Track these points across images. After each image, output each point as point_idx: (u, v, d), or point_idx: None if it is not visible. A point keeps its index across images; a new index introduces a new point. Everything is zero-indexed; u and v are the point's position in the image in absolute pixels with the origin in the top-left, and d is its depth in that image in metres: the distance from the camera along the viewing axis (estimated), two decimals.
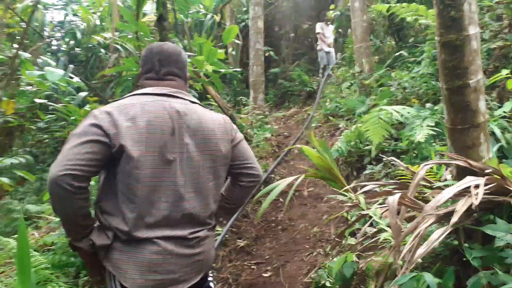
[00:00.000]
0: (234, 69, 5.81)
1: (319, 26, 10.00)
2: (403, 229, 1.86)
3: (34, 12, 3.51)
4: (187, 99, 1.61)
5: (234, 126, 1.75)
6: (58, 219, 4.13)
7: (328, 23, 9.87)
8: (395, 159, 2.64)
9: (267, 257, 3.94)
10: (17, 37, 8.16)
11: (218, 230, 4.23)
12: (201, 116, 1.59)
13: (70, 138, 1.42)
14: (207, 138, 1.58)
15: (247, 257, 4.04)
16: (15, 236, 3.90)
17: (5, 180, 3.01)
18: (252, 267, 3.84)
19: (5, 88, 3.18)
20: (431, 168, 2.51)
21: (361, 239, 2.43)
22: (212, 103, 8.23)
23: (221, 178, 1.68)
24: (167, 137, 1.48)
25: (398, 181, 2.63)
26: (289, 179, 2.87)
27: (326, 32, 9.92)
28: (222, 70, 4.35)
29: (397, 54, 6.40)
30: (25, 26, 6.24)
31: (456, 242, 1.97)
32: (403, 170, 2.58)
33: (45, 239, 3.69)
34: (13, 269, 3.22)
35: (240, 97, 9.73)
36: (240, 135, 1.75)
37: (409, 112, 3.72)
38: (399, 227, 1.78)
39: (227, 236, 4.28)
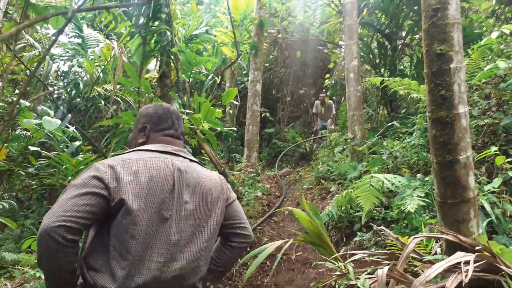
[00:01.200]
0: (230, 128, 5.92)
1: (315, 106, 10.34)
2: None
3: (40, 64, 3.63)
4: (187, 158, 1.66)
5: (229, 186, 1.78)
6: (33, 271, 3.97)
7: (324, 104, 10.00)
8: (385, 229, 2.63)
9: None
10: (21, 84, 8.35)
11: None
12: (200, 175, 1.62)
13: (68, 189, 1.41)
14: (205, 196, 1.60)
15: None
16: None
17: None
18: None
19: (0, 133, 3.19)
20: (421, 240, 2.49)
21: None
22: (205, 158, 8.28)
23: (214, 239, 1.66)
24: (166, 194, 1.49)
25: (388, 251, 2.60)
26: (278, 243, 2.82)
27: (321, 111, 10.15)
28: (218, 128, 4.42)
29: (389, 124, 6.58)
30: (29, 74, 6.41)
31: None
32: (393, 240, 2.56)
33: None
34: None
35: (234, 154, 9.81)
36: (233, 195, 1.78)
37: (400, 181, 3.76)
38: None
39: None
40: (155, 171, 1.49)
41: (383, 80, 5.34)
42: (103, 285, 1.41)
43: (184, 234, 1.52)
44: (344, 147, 7.21)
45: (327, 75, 10.11)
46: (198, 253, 1.55)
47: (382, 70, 7.84)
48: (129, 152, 1.59)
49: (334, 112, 9.97)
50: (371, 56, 8.23)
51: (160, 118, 1.74)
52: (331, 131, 9.43)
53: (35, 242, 3.81)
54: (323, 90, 10.48)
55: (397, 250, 2.61)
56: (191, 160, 1.67)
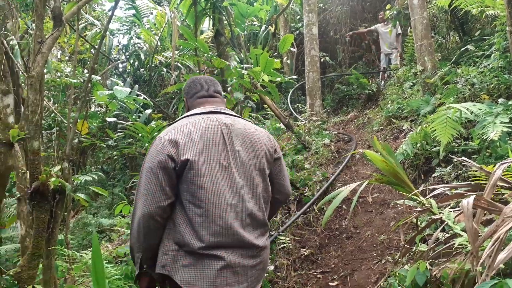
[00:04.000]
0: (290, 77, 5.82)
1: (376, 28, 9.85)
2: (480, 233, 1.73)
3: (103, 38, 3.79)
4: (230, 114, 1.83)
5: (275, 141, 1.92)
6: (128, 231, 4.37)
7: (386, 22, 9.57)
8: (467, 159, 2.48)
9: (332, 265, 3.86)
10: (88, 62, 8.86)
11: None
12: (246, 126, 1.79)
13: (145, 172, 1.62)
14: (254, 144, 1.76)
15: (312, 266, 3.98)
16: (89, 249, 4.18)
17: (82, 196, 3.25)
18: (318, 276, 3.77)
19: (80, 110, 3.45)
20: (509, 167, 2.32)
21: (433, 245, 2.30)
22: (269, 112, 8.31)
23: (268, 181, 1.80)
24: (219, 146, 1.66)
25: (471, 183, 2.47)
26: (352, 185, 2.80)
27: (385, 33, 9.63)
28: (279, 79, 4.36)
29: (462, 49, 6.04)
30: (94, 52, 6.75)
31: None
32: (476, 171, 2.41)
33: (118, 250, 3.91)
34: (90, 281, 3.44)
35: (297, 104, 9.71)
36: (280, 151, 1.93)
37: (480, 109, 3.48)
38: (476, 231, 1.66)
39: (290, 245, 4.26)
40: (204, 129, 1.67)
41: (452, 0, 4.84)
42: (184, 240, 1.59)
43: (244, 179, 1.69)
44: (414, 81, 6.79)
45: (388, 6, 9.38)
46: (259, 194, 1.73)
47: None
48: (179, 119, 1.78)
49: (400, 32, 9.35)
50: None
51: (190, 87, 1.94)
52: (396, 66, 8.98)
53: (126, 207, 4.19)
54: (381, 12, 9.82)
55: (482, 181, 2.47)
56: (235, 116, 1.83)
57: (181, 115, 1.93)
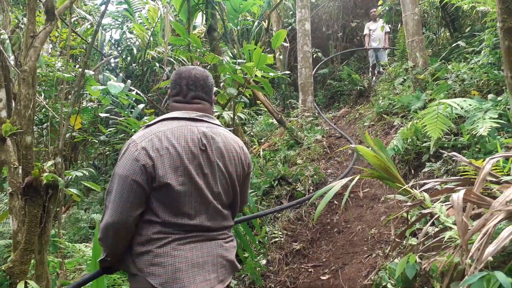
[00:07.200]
0: (283, 73, 5.84)
1: (366, 27, 10.07)
2: (469, 227, 1.77)
3: (96, 33, 3.77)
4: (212, 123, 1.73)
5: (248, 154, 1.86)
6: None
7: (377, 19, 9.68)
8: (457, 154, 2.52)
9: (324, 259, 3.90)
10: (79, 58, 8.78)
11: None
12: (225, 139, 1.71)
13: (116, 180, 1.55)
14: (232, 158, 1.71)
15: (304, 260, 4.02)
16: (83, 244, 4.18)
17: (74, 191, 3.24)
18: (309, 270, 3.82)
19: (73, 104, 3.43)
20: (497, 162, 2.37)
21: (423, 239, 2.34)
22: (262, 108, 8.32)
23: (238, 195, 1.80)
24: (197, 158, 1.60)
25: (461, 178, 2.51)
26: (344, 180, 2.82)
27: (374, 29, 9.76)
28: (272, 74, 4.37)
29: (453, 45, 6.10)
30: (86, 46, 6.69)
31: None
32: (466, 166, 2.46)
33: None
34: (82, 276, 3.44)
35: (289, 100, 9.73)
36: (252, 166, 1.89)
37: (470, 105, 3.53)
38: (465, 224, 1.70)
39: (282, 239, 4.30)
40: (183, 139, 1.58)
41: None
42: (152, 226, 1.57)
43: (222, 189, 1.68)
44: (405, 77, 6.84)
45: (380, 1, 9.43)
46: (234, 204, 1.78)
47: None
48: (157, 122, 1.65)
49: (388, 30, 9.57)
50: None
51: (172, 85, 1.79)
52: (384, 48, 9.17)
53: None
54: (373, 9, 9.94)
55: (471, 175, 2.51)
56: (217, 125, 1.74)
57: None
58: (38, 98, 6.03)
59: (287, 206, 4.18)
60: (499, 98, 3.58)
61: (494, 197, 1.90)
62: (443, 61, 5.76)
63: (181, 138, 1.59)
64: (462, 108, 3.54)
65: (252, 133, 8.01)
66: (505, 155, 2.09)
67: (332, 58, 11.60)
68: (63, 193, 3.74)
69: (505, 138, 3.16)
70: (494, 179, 2.19)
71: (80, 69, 3.56)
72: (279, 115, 6.84)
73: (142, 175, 1.51)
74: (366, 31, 10.02)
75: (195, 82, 1.76)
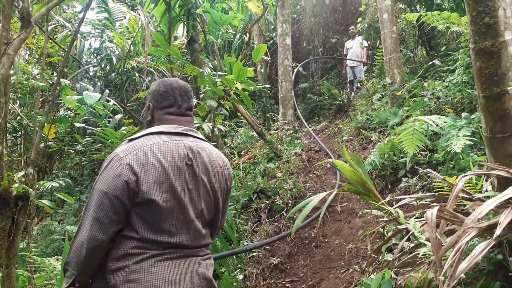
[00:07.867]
0: (263, 86, 5.87)
1: (345, 46, 10.38)
2: (443, 243, 1.79)
3: (73, 41, 3.71)
4: (197, 137, 1.71)
5: (231, 170, 1.85)
6: None
7: (356, 35, 9.92)
8: (431, 171, 2.57)
9: (301, 274, 3.88)
10: (57, 66, 8.62)
11: None
12: (210, 154, 1.69)
13: (97, 194, 1.49)
14: (217, 173, 1.69)
15: (281, 275, 3.99)
16: (54, 257, 4.04)
17: (46, 202, 3.14)
18: (287, 285, 3.79)
19: (47, 113, 3.35)
20: (470, 179, 2.42)
21: (398, 254, 2.36)
22: (242, 120, 8.32)
23: (220, 212, 1.77)
24: (182, 174, 1.56)
25: (436, 194, 2.55)
26: (322, 195, 2.83)
27: (351, 47, 10.01)
28: (252, 88, 4.38)
29: (429, 63, 6.27)
30: (64, 54, 6.57)
31: (500, 257, 1.88)
32: (440, 182, 2.50)
33: None
34: None
35: (270, 113, 9.77)
36: (233, 180, 1.87)
37: (444, 122, 3.61)
38: (439, 241, 1.72)
39: (260, 253, 4.26)
40: (169, 154, 1.55)
41: (420, 16, 5.03)
42: (129, 241, 1.51)
43: (205, 205, 1.65)
44: (383, 93, 6.98)
45: (359, 19, 9.65)
46: (216, 222, 1.76)
47: (418, 6, 7.36)
48: (142, 136, 1.60)
49: (366, 45, 9.85)
50: None
51: (162, 96, 1.73)
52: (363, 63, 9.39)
53: None
54: (352, 27, 10.20)
55: (445, 192, 2.56)
56: (201, 139, 1.72)
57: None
58: (13, 106, 5.87)
59: (270, 240, 4.09)
60: (472, 116, 3.68)
61: (467, 214, 1.93)
62: (419, 78, 5.91)
63: (167, 153, 1.55)
64: (437, 125, 3.62)
65: (232, 145, 7.99)
66: (477, 173, 2.14)
67: (313, 73, 11.77)
68: (35, 205, 3.62)
69: (478, 156, 3.24)
70: (467, 196, 2.23)
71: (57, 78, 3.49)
72: (260, 128, 6.86)
73: (123, 191, 1.46)
74: (345, 51, 10.35)
75: (186, 94, 1.76)
